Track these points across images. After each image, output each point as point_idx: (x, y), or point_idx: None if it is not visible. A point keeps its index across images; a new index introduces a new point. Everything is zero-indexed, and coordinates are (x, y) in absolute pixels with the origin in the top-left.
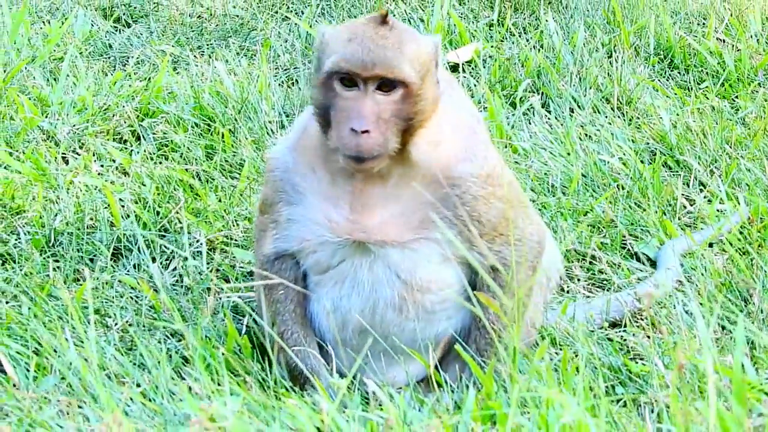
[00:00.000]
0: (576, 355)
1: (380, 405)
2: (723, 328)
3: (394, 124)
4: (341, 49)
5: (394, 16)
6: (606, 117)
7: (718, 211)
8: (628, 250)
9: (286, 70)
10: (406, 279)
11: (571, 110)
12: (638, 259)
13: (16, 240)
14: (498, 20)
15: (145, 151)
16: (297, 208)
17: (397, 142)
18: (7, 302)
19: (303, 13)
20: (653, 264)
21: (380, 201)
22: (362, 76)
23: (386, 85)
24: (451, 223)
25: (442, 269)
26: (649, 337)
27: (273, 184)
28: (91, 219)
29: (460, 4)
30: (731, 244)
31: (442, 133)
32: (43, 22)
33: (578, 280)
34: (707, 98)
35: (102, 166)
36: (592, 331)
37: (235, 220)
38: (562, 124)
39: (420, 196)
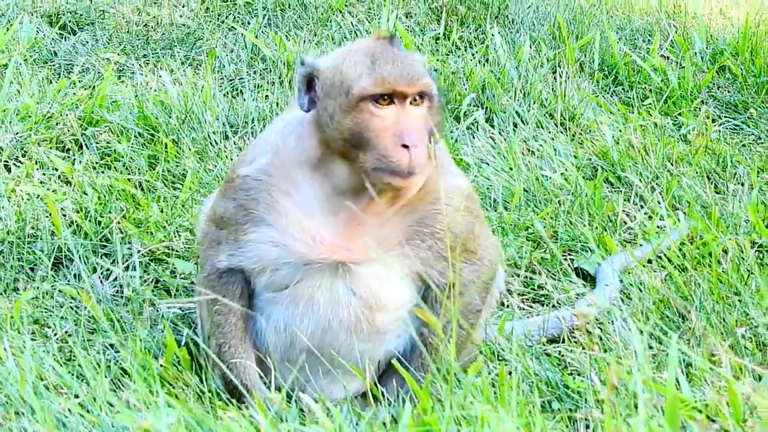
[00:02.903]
0: (510, 372)
1: (317, 420)
2: (660, 344)
3: (426, 138)
4: (372, 71)
5: (341, 27)
6: (549, 132)
7: (658, 227)
8: (568, 265)
9: (231, 80)
10: (367, 299)
11: (515, 125)
12: (578, 275)
13: None
14: (444, 34)
15: (87, 160)
16: (265, 228)
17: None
18: None
19: (249, 23)
20: (593, 280)
21: (374, 220)
22: (407, 92)
23: (417, 99)
24: (424, 239)
25: (402, 287)
26: (586, 353)
27: (243, 203)
28: (32, 228)
29: (406, 17)
30: (670, 261)
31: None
32: None
33: (517, 294)
34: (650, 115)
35: (44, 174)
36: (530, 347)
37: (177, 231)
38: (505, 139)
39: (406, 215)
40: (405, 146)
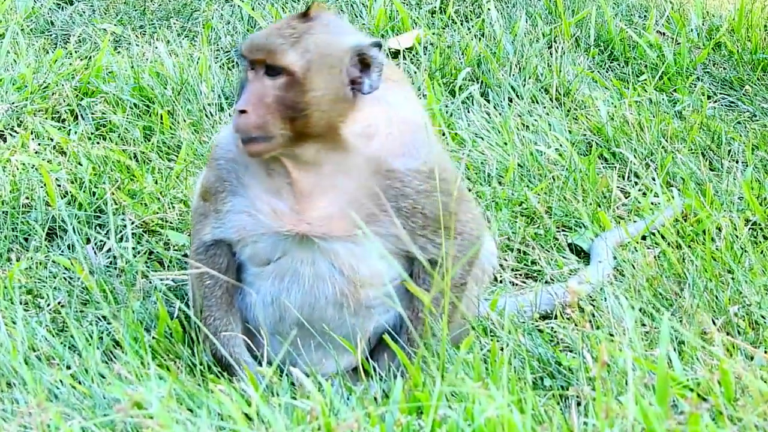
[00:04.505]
0: (502, 348)
1: (308, 394)
2: (653, 321)
3: (277, 111)
4: None
5: (336, 0)
6: (544, 107)
7: (652, 204)
8: (561, 241)
9: (227, 52)
10: (349, 275)
11: (510, 100)
12: (572, 251)
13: None
14: (440, 7)
15: (83, 130)
16: (240, 198)
17: (285, 130)
18: None
19: None
20: (587, 256)
21: (319, 191)
22: (248, 58)
23: (271, 70)
24: (394, 216)
25: (384, 263)
26: (578, 329)
27: (217, 173)
28: (27, 198)
29: None
30: (664, 238)
31: (373, 127)
32: None
33: (510, 270)
34: (645, 91)
35: (39, 144)
36: (523, 323)
37: (171, 203)
38: (500, 114)
39: (363, 188)
40: (237, 111)
